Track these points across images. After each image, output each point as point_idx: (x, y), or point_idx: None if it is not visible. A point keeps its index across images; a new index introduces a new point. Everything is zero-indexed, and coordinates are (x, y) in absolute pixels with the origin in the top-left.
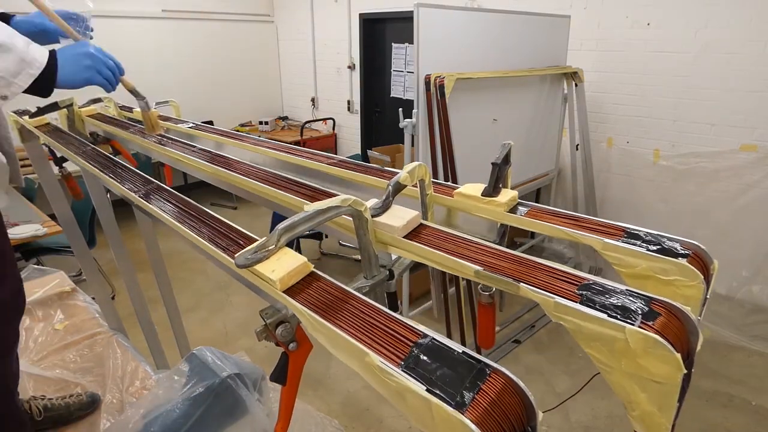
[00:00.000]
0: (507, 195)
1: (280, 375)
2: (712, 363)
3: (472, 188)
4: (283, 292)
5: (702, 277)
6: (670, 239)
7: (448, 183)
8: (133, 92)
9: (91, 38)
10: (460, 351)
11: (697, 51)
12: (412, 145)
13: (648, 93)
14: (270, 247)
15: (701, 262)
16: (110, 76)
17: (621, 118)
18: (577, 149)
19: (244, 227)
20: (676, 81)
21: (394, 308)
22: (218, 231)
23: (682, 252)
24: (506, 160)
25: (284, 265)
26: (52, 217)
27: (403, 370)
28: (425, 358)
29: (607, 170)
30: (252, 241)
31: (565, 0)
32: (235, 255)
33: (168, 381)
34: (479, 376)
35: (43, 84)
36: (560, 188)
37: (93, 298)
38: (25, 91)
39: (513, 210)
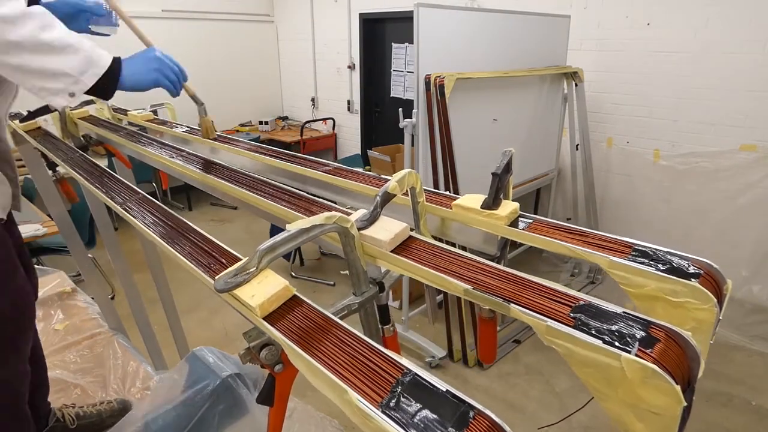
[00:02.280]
0: (507, 207)
1: (267, 397)
2: (712, 363)
3: (471, 199)
4: (264, 318)
5: (715, 300)
6: (680, 257)
7: (447, 193)
8: (194, 98)
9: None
10: (444, 390)
11: (697, 51)
12: (412, 145)
13: (648, 93)
14: (251, 270)
15: (714, 282)
16: (176, 80)
17: (621, 118)
18: (577, 149)
19: (243, 227)
20: (676, 81)
21: (386, 321)
22: (201, 248)
23: (694, 271)
24: (507, 168)
25: (265, 290)
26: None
27: (382, 412)
28: (407, 397)
29: (607, 170)
30: (235, 260)
31: (565, 0)
32: (215, 278)
33: (168, 381)
34: (462, 420)
35: (107, 84)
36: (560, 188)
37: (92, 298)
38: (90, 92)
39: (514, 223)
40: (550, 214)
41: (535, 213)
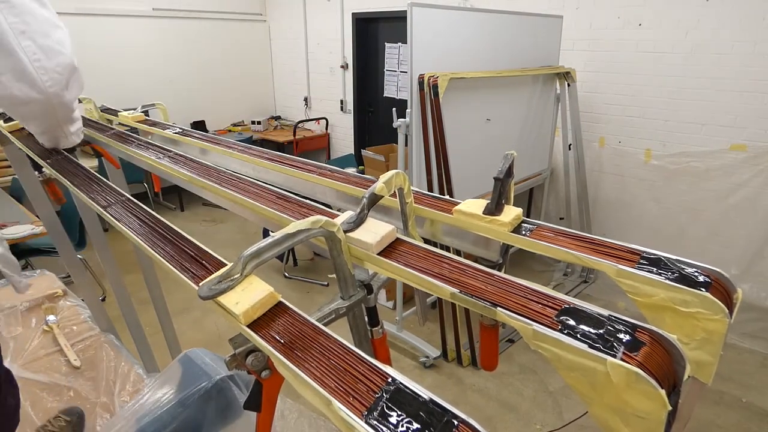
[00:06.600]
0: (511, 213)
1: (253, 402)
2: None
3: (472, 205)
4: (248, 326)
5: (726, 310)
6: (689, 265)
7: (447, 197)
8: None
9: None
10: (427, 398)
11: (687, 51)
12: (406, 145)
13: (639, 93)
14: (235, 276)
15: (724, 291)
16: None
17: (613, 118)
18: (569, 149)
19: (236, 228)
20: (667, 81)
21: (375, 323)
22: (186, 252)
23: (703, 280)
24: (509, 172)
25: (249, 296)
26: None
27: (366, 422)
28: (390, 406)
29: (600, 170)
30: (222, 265)
31: (558, 0)
32: (199, 285)
33: (160, 383)
34: (445, 430)
35: None
36: (553, 188)
37: (83, 300)
38: None
39: (518, 229)
40: (543, 213)
41: (528, 212)
